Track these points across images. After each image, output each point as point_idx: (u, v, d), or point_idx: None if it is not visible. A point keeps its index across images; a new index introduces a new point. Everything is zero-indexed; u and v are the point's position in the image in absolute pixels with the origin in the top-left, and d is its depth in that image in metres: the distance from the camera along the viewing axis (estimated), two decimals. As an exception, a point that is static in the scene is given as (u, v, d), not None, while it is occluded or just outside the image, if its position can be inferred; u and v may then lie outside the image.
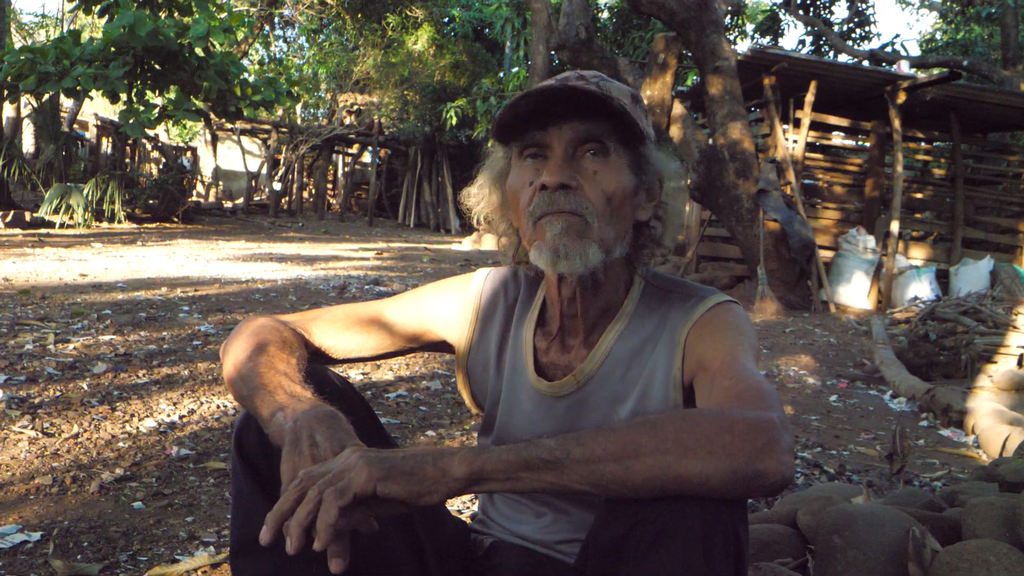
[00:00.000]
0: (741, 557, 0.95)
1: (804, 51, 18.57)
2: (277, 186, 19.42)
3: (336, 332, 1.37)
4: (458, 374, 1.43)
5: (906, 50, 19.16)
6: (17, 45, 14.37)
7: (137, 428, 2.88)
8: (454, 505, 2.38)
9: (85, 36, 13.28)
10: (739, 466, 0.90)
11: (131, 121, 11.54)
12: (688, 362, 1.20)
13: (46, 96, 12.63)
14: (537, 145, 1.20)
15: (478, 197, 1.33)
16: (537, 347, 1.33)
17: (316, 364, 1.32)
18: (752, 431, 0.92)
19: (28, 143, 16.07)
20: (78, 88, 11.25)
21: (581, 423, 1.25)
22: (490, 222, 1.34)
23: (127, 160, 16.93)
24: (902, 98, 9.09)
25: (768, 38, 19.88)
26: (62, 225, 11.47)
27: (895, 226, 9.09)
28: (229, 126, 18.84)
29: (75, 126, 15.89)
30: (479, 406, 1.43)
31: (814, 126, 9.62)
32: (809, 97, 9.16)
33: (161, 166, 17.43)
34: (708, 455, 0.91)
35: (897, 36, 29.36)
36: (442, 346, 1.43)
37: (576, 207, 1.16)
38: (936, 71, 12.14)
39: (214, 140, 19.91)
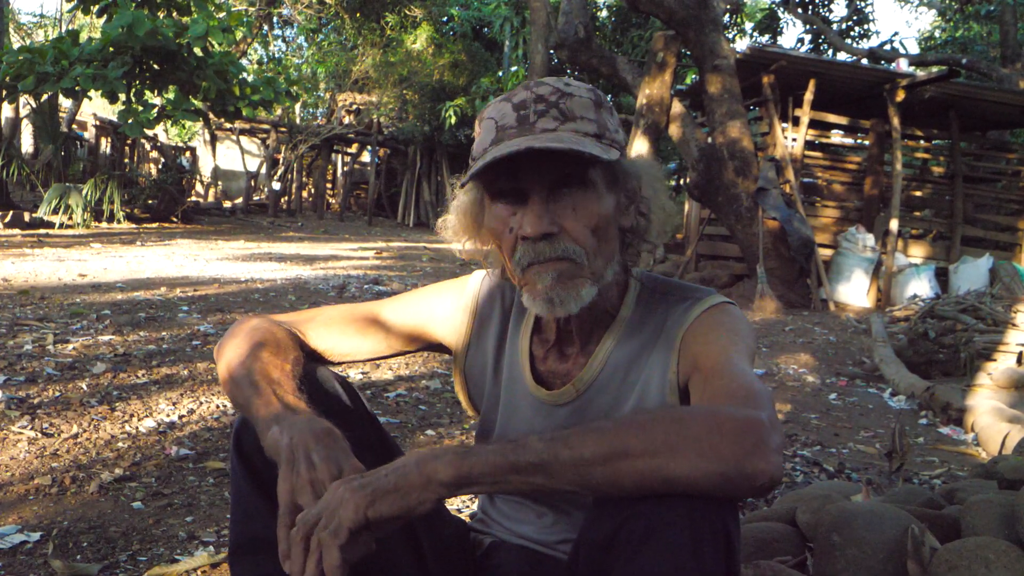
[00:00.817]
0: (732, 552, 0.95)
1: (803, 49, 18.56)
2: (276, 186, 19.42)
3: (332, 335, 1.37)
4: (455, 376, 1.42)
5: (905, 48, 19.17)
6: (16, 45, 14.37)
7: (136, 428, 2.88)
8: (453, 505, 2.38)
9: (83, 36, 13.27)
10: (728, 468, 0.90)
11: (130, 121, 11.54)
12: (683, 364, 1.19)
13: (45, 96, 12.62)
14: (509, 190, 1.15)
15: (455, 227, 1.28)
16: (534, 355, 1.32)
17: (315, 365, 1.31)
18: (741, 432, 0.91)
19: (27, 143, 16.06)
20: (77, 88, 11.25)
21: None
22: (471, 252, 1.29)
23: (126, 160, 16.92)
24: (901, 96, 9.09)
25: (767, 36, 19.88)
26: (61, 225, 11.46)
27: (894, 224, 9.09)
28: (228, 126, 18.84)
29: (74, 126, 15.89)
30: (476, 408, 1.42)
31: (813, 124, 9.62)
32: (808, 95, 9.16)
33: (160, 166, 17.42)
34: (697, 457, 0.90)
35: (896, 34, 29.46)
36: (439, 348, 1.43)
37: (563, 253, 1.13)
38: (935, 69, 12.14)
39: (213, 140, 19.92)
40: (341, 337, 1.37)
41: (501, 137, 1.13)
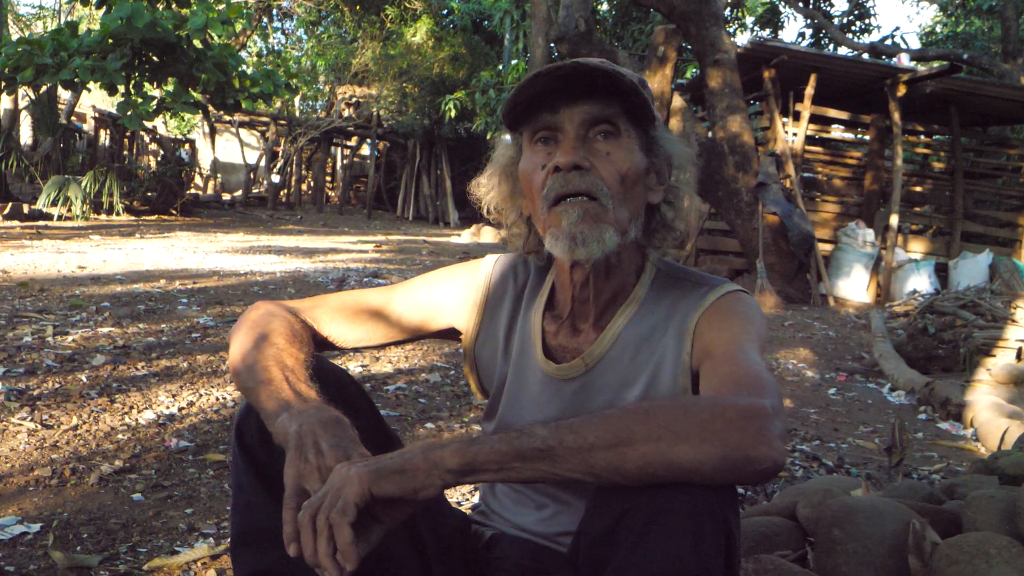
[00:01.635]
0: (732, 544, 0.95)
1: (804, 44, 18.54)
2: (275, 179, 19.39)
3: (344, 321, 1.37)
4: (465, 361, 1.42)
5: (906, 43, 19.15)
6: (14, 37, 14.32)
7: (136, 420, 2.88)
8: (454, 497, 2.38)
9: (83, 28, 13.21)
10: (731, 452, 0.91)
11: (129, 113, 11.51)
12: (696, 349, 1.21)
13: (44, 88, 12.60)
14: (548, 128, 1.20)
15: (487, 187, 1.33)
16: (546, 331, 1.32)
17: (319, 356, 1.31)
18: (744, 418, 0.93)
19: (26, 135, 16.03)
20: (76, 80, 11.22)
21: (588, 406, 1.24)
22: (500, 211, 1.33)
23: (125, 152, 16.90)
24: (902, 91, 9.08)
25: (768, 31, 19.85)
26: (60, 217, 11.45)
27: (894, 219, 9.09)
28: (227, 118, 18.80)
29: (73, 118, 15.86)
30: (485, 393, 1.42)
31: (814, 119, 9.62)
32: (809, 90, 9.15)
33: (159, 158, 17.39)
34: (701, 441, 0.91)
35: (897, 29, 29.37)
36: (450, 333, 1.43)
37: (591, 187, 1.16)
38: (936, 64, 12.12)
39: (212, 132, 19.87)
40: (353, 324, 1.37)
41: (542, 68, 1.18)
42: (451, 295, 1.39)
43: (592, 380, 1.27)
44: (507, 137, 1.33)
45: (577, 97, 1.17)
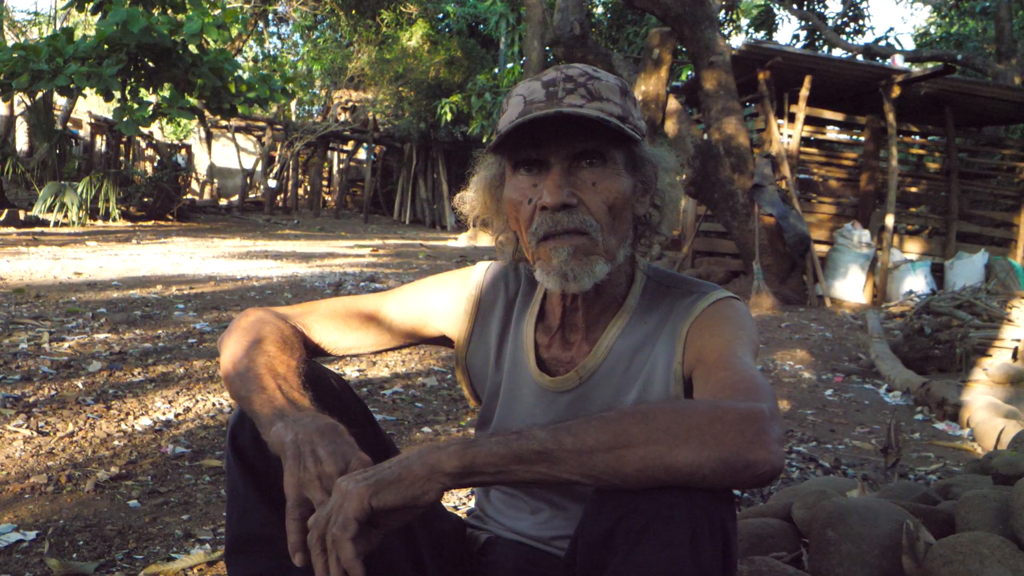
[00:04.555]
0: (729, 548, 0.95)
1: (798, 46, 18.57)
2: (272, 183, 19.39)
3: (335, 328, 1.36)
4: (457, 368, 1.42)
5: (900, 44, 19.19)
6: (10, 43, 14.30)
7: (132, 426, 2.87)
8: (450, 501, 2.38)
9: (78, 34, 13.19)
10: (729, 456, 0.91)
11: (125, 119, 11.51)
12: (688, 356, 1.21)
13: (39, 94, 12.59)
14: (532, 160, 1.18)
15: (472, 203, 1.31)
16: (538, 342, 1.33)
17: (313, 361, 1.31)
18: (742, 421, 0.92)
19: (22, 141, 16.01)
20: (71, 86, 11.22)
21: None
22: (486, 224, 1.32)
23: (121, 158, 16.87)
24: (896, 92, 9.09)
25: (762, 33, 19.89)
26: (56, 223, 11.43)
27: (890, 220, 9.10)
28: (224, 123, 18.82)
29: (69, 124, 15.82)
30: (478, 399, 1.43)
31: (809, 120, 9.63)
32: (804, 92, 9.16)
33: (156, 164, 17.39)
34: (699, 445, 0.91)
35: (891, 30, 29.47)
36: (441, 340, 1.43)
37: (580, 225, 1.15)
38: (930, 65, 12.15)
39: (209, 137, 19.87)
40: (343, 331, 1.37)
41: (529, 110, 1.15)
42: (442, 303, 1.39)
43: (587, 392, 1.27)
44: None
45: (562, 135, 1.14)
